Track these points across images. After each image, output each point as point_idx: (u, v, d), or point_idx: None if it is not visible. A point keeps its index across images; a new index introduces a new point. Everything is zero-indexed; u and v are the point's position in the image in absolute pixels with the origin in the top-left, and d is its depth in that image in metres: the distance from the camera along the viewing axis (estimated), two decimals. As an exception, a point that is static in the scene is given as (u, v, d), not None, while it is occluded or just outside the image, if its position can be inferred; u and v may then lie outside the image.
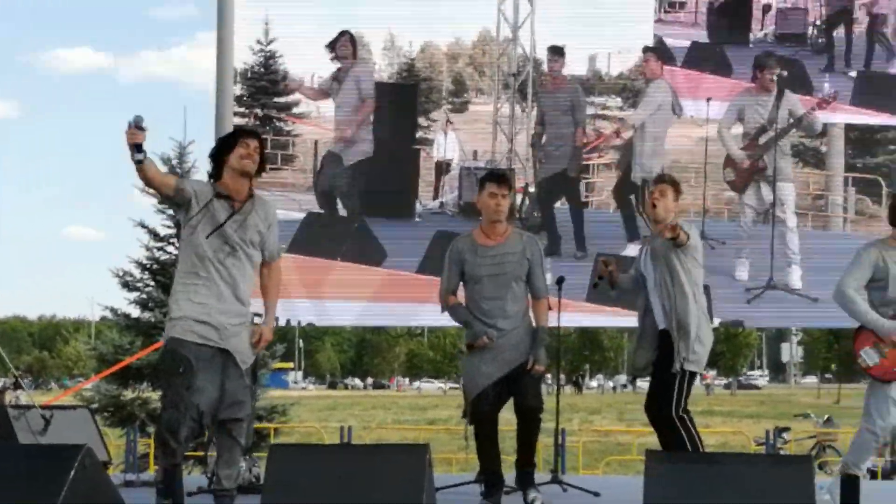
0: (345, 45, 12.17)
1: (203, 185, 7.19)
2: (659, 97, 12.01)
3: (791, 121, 11.66)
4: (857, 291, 8.02)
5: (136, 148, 6.70)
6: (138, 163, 6.72)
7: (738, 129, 11.86)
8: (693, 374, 7.96)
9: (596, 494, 8.65)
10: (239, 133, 7.39)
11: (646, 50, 12.07)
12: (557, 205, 12.10)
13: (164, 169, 20.05)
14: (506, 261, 8.22)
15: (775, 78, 11.73)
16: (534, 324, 8.27)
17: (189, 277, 7.04)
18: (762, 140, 11.75)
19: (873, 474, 16.85)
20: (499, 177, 8.38)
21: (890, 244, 8.03)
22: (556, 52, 12.13)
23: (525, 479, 8.30)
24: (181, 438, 6.82)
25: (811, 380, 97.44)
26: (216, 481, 7.13)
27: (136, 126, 6.70)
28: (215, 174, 7.18)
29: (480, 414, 8.20)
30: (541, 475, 8.92)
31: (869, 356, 7.97)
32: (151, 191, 7.55)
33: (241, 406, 6.96)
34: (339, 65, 12.13)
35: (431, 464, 6.24)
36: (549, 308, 8.45)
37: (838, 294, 8.09)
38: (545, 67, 12.18)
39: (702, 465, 6.33)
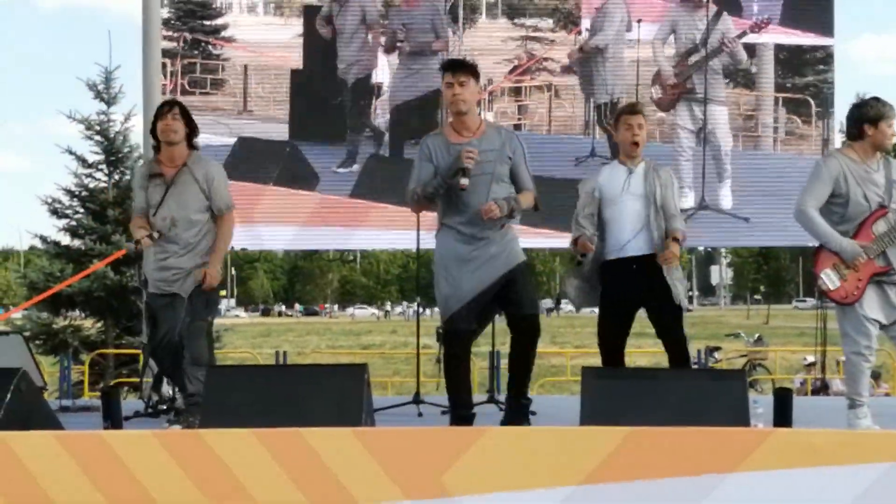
0: None
1: (142, 170, 8.42)
2: (618, 15, 12.00)
3: (720, 45, 11.74)
4: (817, 209, 7.75)
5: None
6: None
7: (671, 48, 11.90)
8: None
9: (532, 413, 8.71)
10: (161, 105, 8.37)
11: None
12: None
13: (91, 95, 19.89)
14: (483, 159, 7.44)
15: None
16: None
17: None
18: (692, 60, 11.80)
19: (803, 392, 17.11)
20: (453, 63, 7.69)
21: (848, 154, 7.82)
22: None
23: (516, 413, 7.66)
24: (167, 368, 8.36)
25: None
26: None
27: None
28: (156, 147, 8.25)
29: (454, 334, 7.57)
30: (477, 395, 8.95)
31: (829, 279, 7.69)
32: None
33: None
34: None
35: (369, 384, 6.25)
36: (537, 207, 7.80)
37: (798, 213, 7.83)
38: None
39: (637, 380, 6.39)
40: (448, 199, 7.58)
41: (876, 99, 7.86)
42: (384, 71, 12.20)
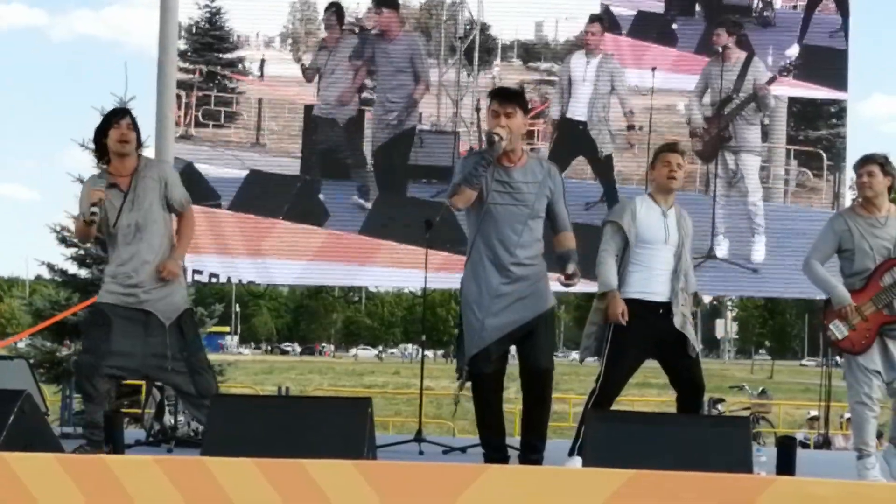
0: (329, 18, 12.15)
1: (95, 181, 8.02)
2: (602, 78, 12.04)
3: (752, 91, 11.78)
4: (821, 262, 8.03)
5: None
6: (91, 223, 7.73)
7: (707, 98, 11.91)
8: None
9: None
10: (111, 114, 8.16)
11: (592, 19, 12.05)
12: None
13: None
14: (522, 190, 7.39)
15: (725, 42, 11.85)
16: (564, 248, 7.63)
17: (114, 253, 7.98)
18: (727, 109, 11.83)
19: (805, 445, 17.04)
20: (503, 93, 7.59)
21: (858, 212, 8.05)
22: (381, 3, 12.05)
23: (528, 464, 7.43)
24: (97, 385, 7.75)
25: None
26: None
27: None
28: (102, 156, 8.10)
29: (482, 375, 7.39)
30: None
31: (838, 329, 7.91)
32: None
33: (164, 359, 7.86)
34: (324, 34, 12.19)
35: (373, 418, 6.24)
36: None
37: (803, 264, 8.16)
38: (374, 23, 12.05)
39: (640, 424, 6.37)
40: (477, 227, 7.44)
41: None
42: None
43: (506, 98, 7.47)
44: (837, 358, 8.36)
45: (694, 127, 11.88)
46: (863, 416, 7.83)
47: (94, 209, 7.66)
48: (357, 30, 12.15)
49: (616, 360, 7.75)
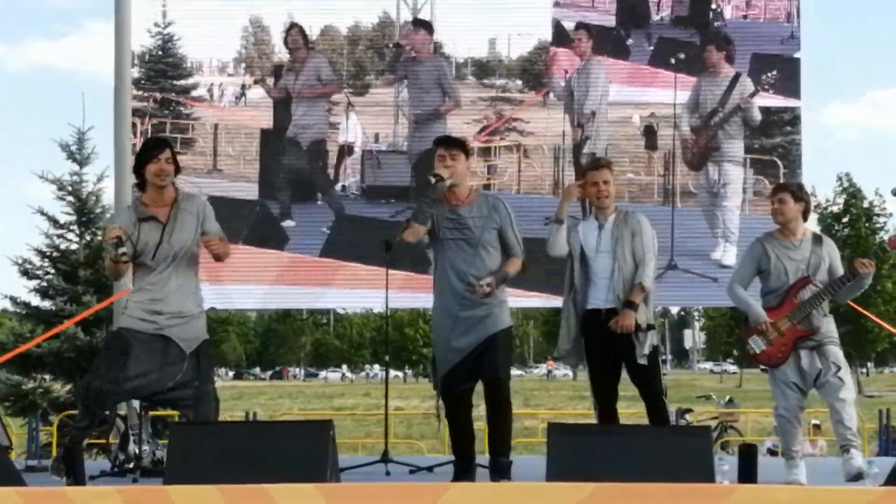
0: (295, 38, 12.26)
1: (126, 214, 8.05)
2: (601, 76, 12.16)
3: (737, 104, 11.91)
4: (744, 286, 8.46)
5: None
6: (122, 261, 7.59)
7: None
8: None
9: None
10: (151, 146, 7.99)
11: (579, 27, 12.15)
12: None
13: (64, 156, 19.96)
14: (469, 224, 8.01)
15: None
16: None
17: (143, 279, 7.82)
18: (714, 121, 11.95)
19: (773, 453, 17.09)
20: (446, 140, 8.30)
21: (775, 236, 8.41)
22: (419, 24, 12.26)
23: (497, 469, 7.91)
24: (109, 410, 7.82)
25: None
26: None
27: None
28: (140, 185, 7.93)
29: (451, 392, 8.02)
30: (451, 455, 8.87)
31: (756, 343, 8.36)
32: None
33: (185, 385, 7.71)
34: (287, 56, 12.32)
35: (335, 440, 6.23)
36: (524, 271, 8.22)
37: (728, 289, 8.62)
38: (408, 41, 12.23)
39: (603, 436, 6.39)
40: (441, 260, 8.10)
41: None
42: (354, 130, 12.22)
43: (450, 143, 8.19)
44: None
45: (683, 137, 11.98)
46: (783, 425, 8.28)
47: (123, 249, 7.54)
48: (392, 46, 12.30)
49: (592, 373, 8.36)
